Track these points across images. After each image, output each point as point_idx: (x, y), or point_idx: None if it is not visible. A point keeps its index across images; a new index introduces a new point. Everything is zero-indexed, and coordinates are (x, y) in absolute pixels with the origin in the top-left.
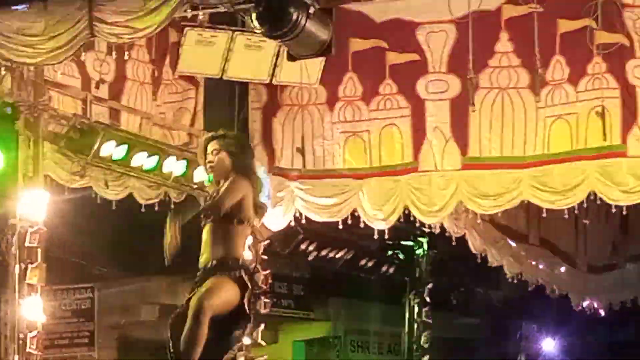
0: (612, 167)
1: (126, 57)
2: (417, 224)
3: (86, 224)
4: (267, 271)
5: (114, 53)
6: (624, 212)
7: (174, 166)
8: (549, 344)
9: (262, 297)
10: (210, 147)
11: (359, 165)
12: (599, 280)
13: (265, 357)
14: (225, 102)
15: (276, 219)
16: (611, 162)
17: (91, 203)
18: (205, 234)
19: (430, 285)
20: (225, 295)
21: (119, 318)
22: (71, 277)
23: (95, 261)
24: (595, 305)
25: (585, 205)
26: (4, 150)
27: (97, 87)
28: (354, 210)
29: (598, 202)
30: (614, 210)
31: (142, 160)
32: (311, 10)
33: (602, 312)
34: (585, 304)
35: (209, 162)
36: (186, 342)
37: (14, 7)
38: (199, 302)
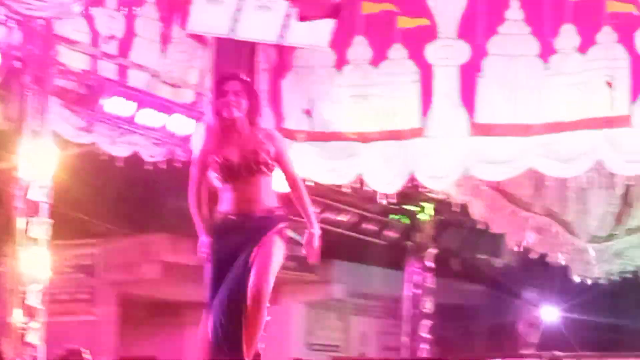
0: (618, 137)
1: (135, 13)
2: (422, 189)
3: (90, 180)
4: None
5: (123, 9)
6: (628, 183)
7: (181, 125)
8: (549, 312)
9: None
10: (231, 87)
11: (366, 128)
12: (600, 251)
13: (268, 318)
14: (233, 62)
15: (282, 180)
16: (617, 132)
17: (96, 159)
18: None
19: (433, 251)
20: (277, 265)
21: (120, 275)
22: (73, 232)
23: (98, 217)
24: (596, 275)
25: (589, 174)
26: (12, 104)
27: (105, 42)
28: (360, 174)
29: (603, 171)
30: (618, 180)
31: (149, 117)
32: None
33: (602, 281)
34: (585, 273)
35: (231, 101)
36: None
37: None
38: (258, 288)
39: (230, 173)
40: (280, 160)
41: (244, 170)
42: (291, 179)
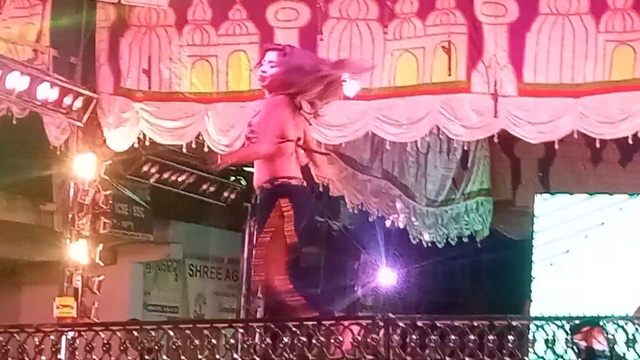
0: (455, 103)
1: None
2: None
3: None
4: (108, 192)
5: None
6: (465, 148)
7: (18, 81)
8: (386, 275)
9: (102, 218)
10: (267, 57)
11: (205, 89)
12: (437, 214)
13: (103, 277)
14: (72, 19)
15: (119, 140)
16: (455, 98)
17: None
18: None
19: None
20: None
21: None
22: None
23: None
24: (433, 237)
25: (428, 139)
26: None
27: None
28: (199, 135)
29: (441, 136)
30: (456, 145)
31: None
32: None
33: (439, 245)
34: (422, 236)
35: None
36: None
37: None
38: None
39: None
40: None
41: None
42: None
